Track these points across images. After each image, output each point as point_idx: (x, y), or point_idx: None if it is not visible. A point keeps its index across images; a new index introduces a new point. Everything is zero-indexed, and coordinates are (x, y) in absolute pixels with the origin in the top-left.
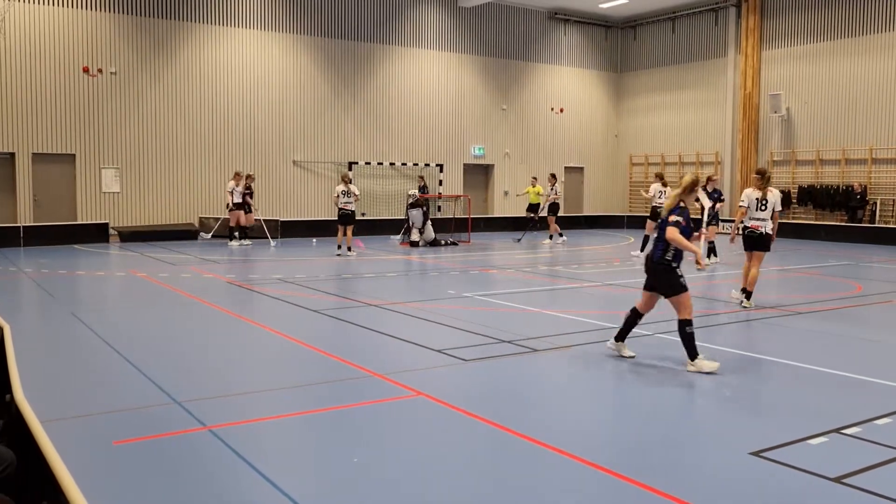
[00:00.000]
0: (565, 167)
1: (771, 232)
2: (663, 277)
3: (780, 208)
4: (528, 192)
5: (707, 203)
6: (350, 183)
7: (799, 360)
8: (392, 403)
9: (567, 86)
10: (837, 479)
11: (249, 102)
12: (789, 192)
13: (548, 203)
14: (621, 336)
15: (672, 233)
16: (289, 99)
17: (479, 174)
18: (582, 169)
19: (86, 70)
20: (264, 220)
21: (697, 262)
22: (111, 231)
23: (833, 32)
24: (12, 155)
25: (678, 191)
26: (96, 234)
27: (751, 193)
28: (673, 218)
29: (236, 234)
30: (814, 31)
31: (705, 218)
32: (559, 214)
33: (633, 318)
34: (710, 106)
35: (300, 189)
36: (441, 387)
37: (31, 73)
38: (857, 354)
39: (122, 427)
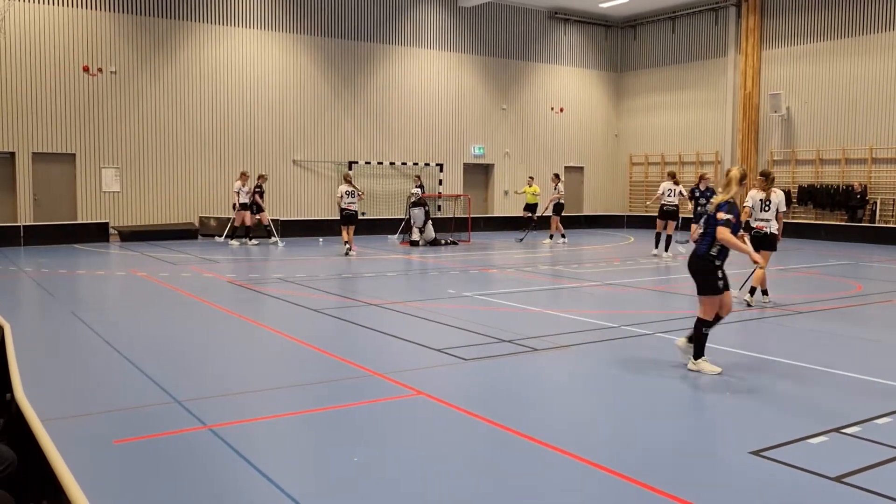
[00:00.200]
0: (565, 167)
1: (776, 231)
2: (701, 274)
3: (784, 209)
4: (524, 192)
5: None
6: (351, 182)
7: (799, 359)
8: (392, 403)
9: (567, 85)
10: (837, 479)
11: (249, 102)
12: (789, 191)
13: (552, 203)
14: (700, 351)
15: (724, 233)
16: (289, 98)
17: (479, 174)
18: (582, 168)
19: (86, 69)
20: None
21: (754, 261)
22: (111, 230)
23: (833, 32)
24: (12, 154)
25: (727, 185)
26: (96, 233)
27: (755, 195)
28: (723, 216)
29: (240, 234)
30: (814, 31)
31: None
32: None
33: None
34: (710, 106)
35: (300, 188)
36: (441, 386)
37: (31, 72)
38: (857, 354)
39: (122, 426)
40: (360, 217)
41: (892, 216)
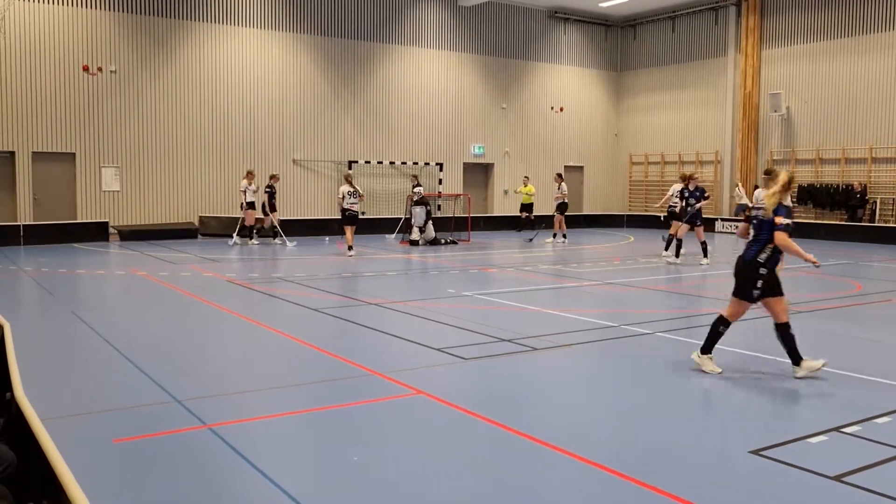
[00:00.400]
0: (565, 166)
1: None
2: (743, 279)
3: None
4: (520, 192)
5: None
6: (352, 183)
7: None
8: (392, 402)
9: (567, 85)
10: (837, 478)
11: (249, 101)
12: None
13: (556, 202)
14: (797, 357)
15: (783, 238)
16: (288, 98)
17: (478, 173)
18: (582, 168)
19: (85, 69)
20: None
21: (813, 263)
22: (111, 230)
23: (833, 32)
24: (12, 154)
25: (777, 188)
26: (96, 232)
27: (759, 193)
28: (781, 220)
29: (244, 233)
30: (814, 31)
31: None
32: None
33: (785, 332)
34: (710, 105)
35: (300, 188)
36: (441, 385)
37: (30, 71)
38: (856, 353)
39: (122, 425)
40: (359, 217)
41: (892, 215)
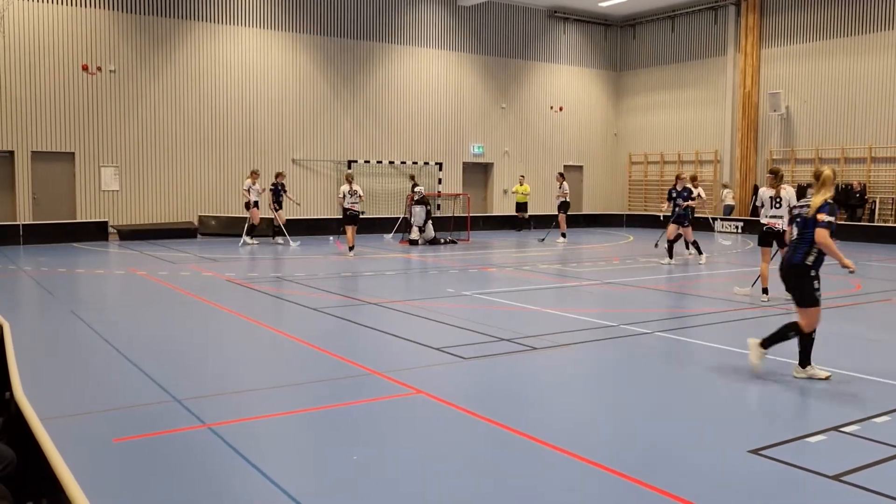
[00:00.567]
0: (564, 166)
1: (787, 228)
2: (798, 283)
3: (795, 203)
4: (515, 191)
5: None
6: (352, 183)
7: (797, 358)
8: (391, 402)
9: (566, 84)
10: (836, 477)
11: (249, 101)
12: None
13: (559, 201)
14: (806, 359)
15: (823, 235)
16: (288, 97)
17: (478, 172)
18: (581, 167)
19: (85, 68)
20: (265, 218)
21: (846, 266)
22: (110, 229)
23: (832, 31)
24: (11, 153)
25: (822, 187)
26: (96, 232)
27: (764, 192)
28: (824, 217)
29: (249, 232)
30: (813, 30)
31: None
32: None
33: (794, 333)
34: (710, 104)
35: (299, 188)
36: (440, 385)
37: (30, 70)
38: (855, 352)
39: (121, 425)
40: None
41: (892, 215)
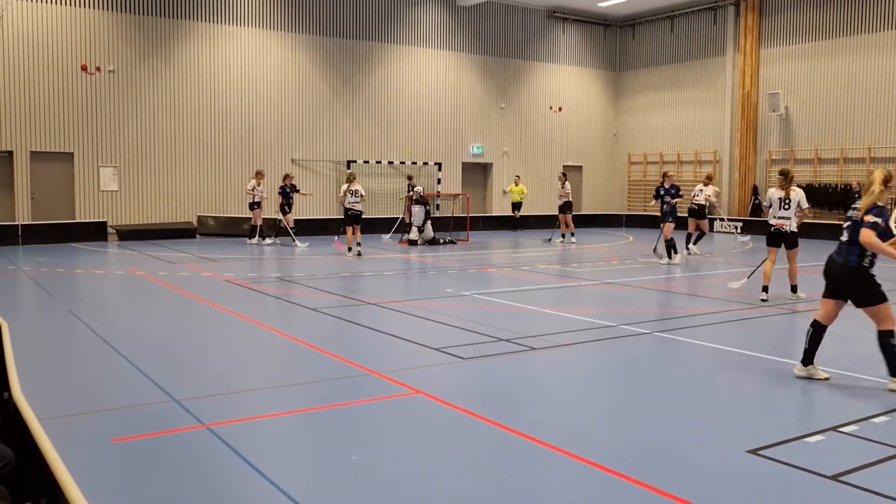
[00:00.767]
0: (564, 166)
1: (796, 229)
2: (858, 285)
3: (806, 205)
4: (510, 191)
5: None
6: (353, 182)
7: (796, 357)
8: (390, 402)
9: (565, 84)
10: (834, 477)
11: (248, 101)
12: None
13: (562, 201)
14: (809, 358)
15: (868, 235)
16: (287, 97)
17: (477, 173)
18: (580, 167)
19: (84, 68)
20: (269, 219)
21: None
22: (109, 229)
23: (831, 31)
24: (10, 153)
25: (875, 188)
26: (95, 232)
27: (773, 193)
28: (870, 219)
29: (258, 232)
30: (812, 30)
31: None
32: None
33: (819, 333)
34: (709, 105)
35: (299, 187)
36: (439, 385)
37: (29, 71)
38: (854, 352)
39: (120, 425)
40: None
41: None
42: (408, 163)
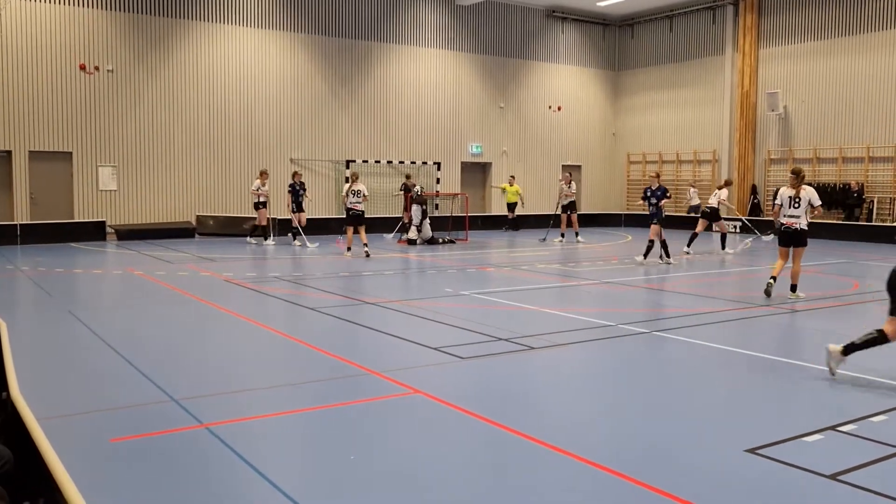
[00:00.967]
0: (563, 165)
1: (806, 228)
2: None
3: (818, 202)
4: (504, 189)
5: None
6: (355, 181)
7: (795, 357)
8: (389, 401)
9: (565, 84)
10: (833, 477)
11: (247, 100)
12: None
13: (567, 201)
14: (850, 352)
15: None
16: (286, 97)
17: (476, 172)
18: (580, 167)
19: (83, 67)
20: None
21: None
22: (108, 229)
23: (830, 31)
24: (9, 153)
25: None
26: (93, 232)
27: (784, 192)
28: None
29: (259, 233)
30: (811, 30)
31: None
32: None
33: (879, 343)
34: (708, 104)
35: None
36: (438, 384)
37: (27, 70)
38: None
39: (118, 425)
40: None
41: (889, 215)
42: (406, 162)
